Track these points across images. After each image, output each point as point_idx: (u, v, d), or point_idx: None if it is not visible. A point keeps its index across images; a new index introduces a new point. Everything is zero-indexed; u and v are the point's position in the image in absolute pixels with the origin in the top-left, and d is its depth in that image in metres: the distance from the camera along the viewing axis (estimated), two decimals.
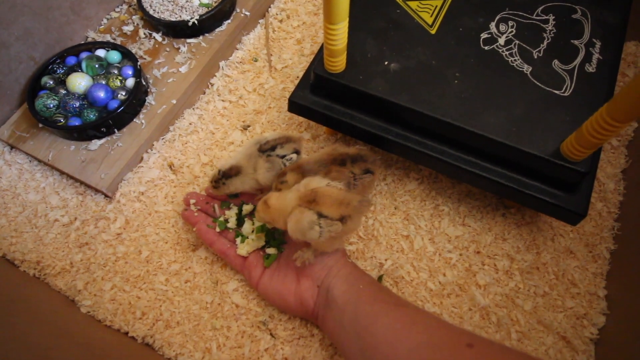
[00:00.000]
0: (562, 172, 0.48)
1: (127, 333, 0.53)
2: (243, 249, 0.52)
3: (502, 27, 0.56)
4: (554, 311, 0.53)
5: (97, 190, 0.60)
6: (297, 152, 0.54)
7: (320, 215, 0.43)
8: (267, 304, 0.53)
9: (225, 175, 0.52)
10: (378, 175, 0.56)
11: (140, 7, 0.70)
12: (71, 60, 0.66)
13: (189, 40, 0.70)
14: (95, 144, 0.62)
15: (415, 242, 0.57)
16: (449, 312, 0.53)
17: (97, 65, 0.64)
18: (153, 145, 0.65)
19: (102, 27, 0.73)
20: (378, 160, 0.52)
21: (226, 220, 0.55)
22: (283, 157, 0.52)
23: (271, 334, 0.52)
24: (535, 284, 0.54)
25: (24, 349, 0.42)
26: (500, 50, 0.54)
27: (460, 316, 0.53)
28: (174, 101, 0.65)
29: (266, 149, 0.52)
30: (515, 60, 0.53)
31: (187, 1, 0.70)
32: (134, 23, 0.73)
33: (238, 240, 0.53)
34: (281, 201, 0.46)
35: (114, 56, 0.66)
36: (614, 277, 0.54)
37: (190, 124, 0.67)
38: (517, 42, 0.55)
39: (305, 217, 0.43)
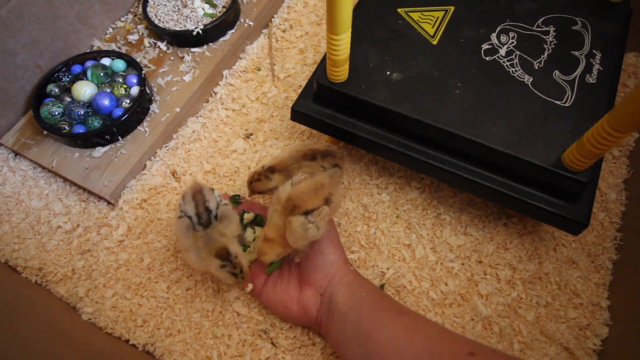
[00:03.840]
0: (563, 182, 0.48)
1: (127, 341, 0.53)
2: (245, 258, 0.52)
3: (503, 38, 0.56)
4: (556, 322, 0.53)
5: (100, 197, 0.61)
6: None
7: (307, 213, 0.44)
8: (269, 313, 0.53)
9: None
10: (345, 170, 0.57)
11: (145, 16, 0.71)
12: (76, 68, 0.67)
13: (193, 50, 0.71)
14: (99, 151, 0.62)
15: (417, 251, 0.57)
16: (450, 322, 0.53)
17: (102, 74, 0.65)
18: (156, 153, 0.65)
19: (108, 36, 0.74)
20: (345, 156, 0.53)
21: None
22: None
23: (272, 343, 0.52)
24: (537, 294, 0.54)
25: (25, 355, 0.42)
26: (501, 61, 0.54)
27: (462, 326, 0.52)
28: (178, 109, 0.65)
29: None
30: (516, 70, 0.54)
31: (191, 11, 0.71)
32: (139, 32, 0.74)
33: None
34: (274, 229, 0.46)
35: (119, 65, 0.67)
36: (617, 288, 0.54)
37: (193, 132, 0.67)
38: (518, 53, 0.55)
39: (295, 223, 0.44)
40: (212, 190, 0.49)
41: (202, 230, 0.46)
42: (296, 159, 0.52)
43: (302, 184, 0.46)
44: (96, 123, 0.61)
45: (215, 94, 0.71)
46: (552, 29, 0.57)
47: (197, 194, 0.48)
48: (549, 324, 0.52)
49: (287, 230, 0.45)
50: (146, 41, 0.72)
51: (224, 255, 0.46)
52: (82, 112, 0.62)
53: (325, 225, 0.45)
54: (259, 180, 0.52)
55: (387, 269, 0.56)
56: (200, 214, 0.47)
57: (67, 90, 0.65)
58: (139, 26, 0.74)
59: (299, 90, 0.59)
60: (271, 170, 0.52)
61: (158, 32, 0.71)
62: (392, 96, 0.52)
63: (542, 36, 0.56)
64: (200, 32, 0.68)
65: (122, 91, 0.64)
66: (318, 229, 0.44)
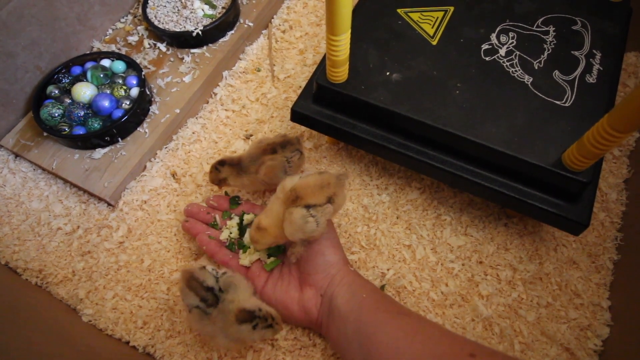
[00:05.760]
0: (564, 182, 0.48)
1: (128, 342, 0.53)
2: (245, 259, 0.52)
3: (503, 38, 0.56)
4: (557, 322, 0.52)
5: (100, 199, 0.61)
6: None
7: (309, 207, 0.44)
8: None
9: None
10: (305, 153, 0.58)
11: (145, 17, 0.71)
12: (76, 69, 0.67)
13: (192, 51, 0.71)
14: (99, 152, 0.62)
15: (417, 251, 0.57)
16: (451, 323, 0.53)
17: (102, 75, 0.65)
18: (156, 154, 0.65)
19: (108, 37, 0.74)
20: (301, 140, 0.55)
21: (229, 232, 0.55)
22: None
23: (273, 344, 0.51)
24: (538, 294, 0.54)
25: (26, 357, 0.42)
26: (501, 61, 0.54)
27: (463, 327, 0.52)
28: (178, 110, 0.65)
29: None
30: (516, 70, 0.54)
31: (191, 12, 0.71)
32: (138, 33, 0.74)
33: (240, 250, 0.53)
34: (271, 217, 0.46)
35: (119, 66, 0.67)
36: (618, 288, 0.54)
37: (193, 133, 0.67)
38: (517, 53, 0.55)
39: (295, 214, 0.44)
40: (204, 267, 0.47)
41: (214, 309, 0.44)
42: (257, 156, 0.54)
43: (309, 177, 0.46)
44: (96, 124, 0.61)
45: (215, 95, 0.71)
46: (551, 28, 0.57)
47: (191, 281, 0.45)
48: (549, 324, 0.52)
49: (285, 221, 0.45)
50: (146, 42, 0.72)
51: (246, 317, 0.43)
52: (82, 113, 0.62)
53: (324, 224, 0.45)
54: (211, 172, 0.55)
55: (388, 269, 0.55)
56: (205, 297, 0.44)
57: (67, 91, 0.65)
58: (138, 27, 0.74)
59: (299, 91, 0.59)
60: (221, 163, 0.54)
61: (158, 33, 0.71)
62: (392, 97, 0.52)
63: (542, 36, 0.56)
64: (200, 33, 0.68)
65: (122, 92, 0.64)
66: (317, 224, 0.44)
